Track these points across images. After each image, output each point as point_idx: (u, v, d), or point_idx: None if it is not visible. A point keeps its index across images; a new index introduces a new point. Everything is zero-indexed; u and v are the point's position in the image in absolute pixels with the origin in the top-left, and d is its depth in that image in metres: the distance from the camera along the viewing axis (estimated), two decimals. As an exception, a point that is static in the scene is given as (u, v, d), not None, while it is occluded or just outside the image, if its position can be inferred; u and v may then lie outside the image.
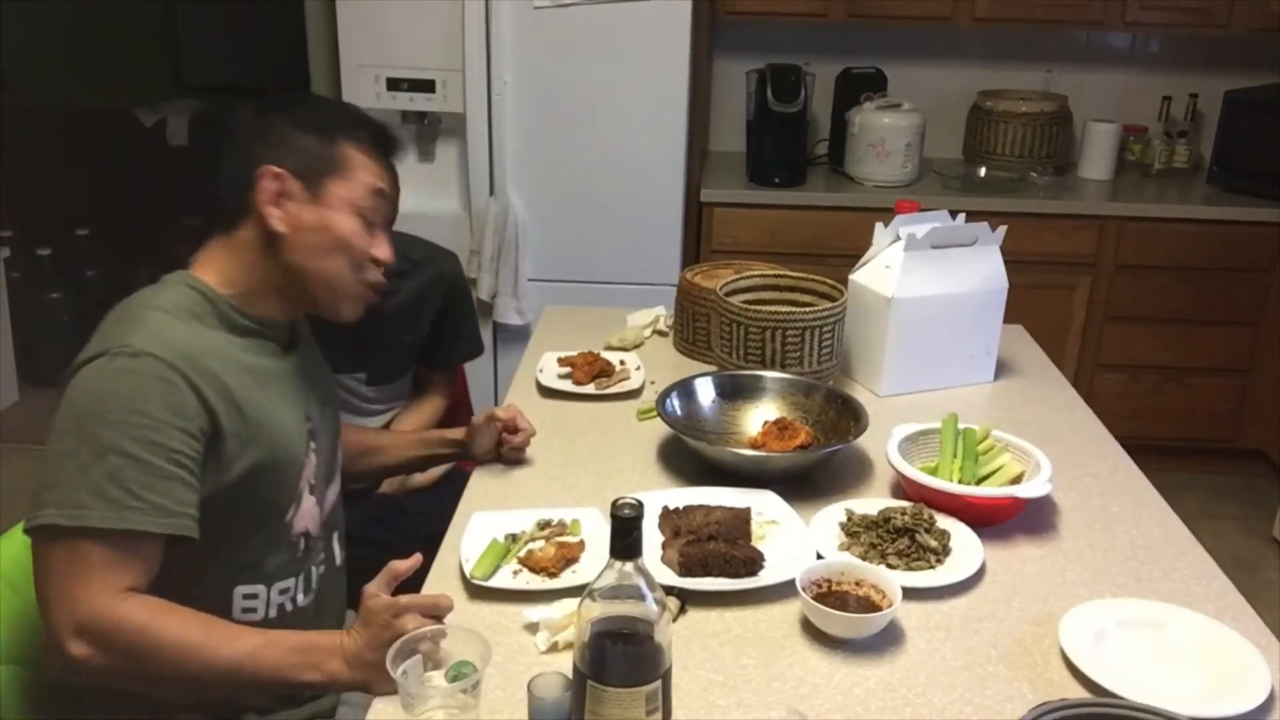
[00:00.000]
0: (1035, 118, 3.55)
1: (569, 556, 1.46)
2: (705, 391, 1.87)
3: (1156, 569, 1.50)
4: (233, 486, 1.28)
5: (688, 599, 1.39)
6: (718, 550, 1.43)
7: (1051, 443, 1.79)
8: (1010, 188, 3.44)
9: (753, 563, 1.43)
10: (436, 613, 1.23)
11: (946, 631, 1.36)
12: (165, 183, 4.54)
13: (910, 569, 1.45)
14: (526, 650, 1.30)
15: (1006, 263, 2.08)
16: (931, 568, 1.46)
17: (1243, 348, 3.46)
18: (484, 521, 1.54)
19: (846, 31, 3.64)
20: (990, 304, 2.07)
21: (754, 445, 1.76)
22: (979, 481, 1.64)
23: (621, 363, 2.10)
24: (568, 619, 1.30)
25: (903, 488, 1.67)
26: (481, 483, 1.72)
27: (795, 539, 1.51)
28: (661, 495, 1.60)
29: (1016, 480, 1.64)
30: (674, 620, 1.34)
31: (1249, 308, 3.42)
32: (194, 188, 1.42)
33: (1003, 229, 2.08)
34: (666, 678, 1.09)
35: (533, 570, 1.43)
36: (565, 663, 1.14)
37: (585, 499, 1.65)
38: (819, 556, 1.46)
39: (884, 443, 1.69)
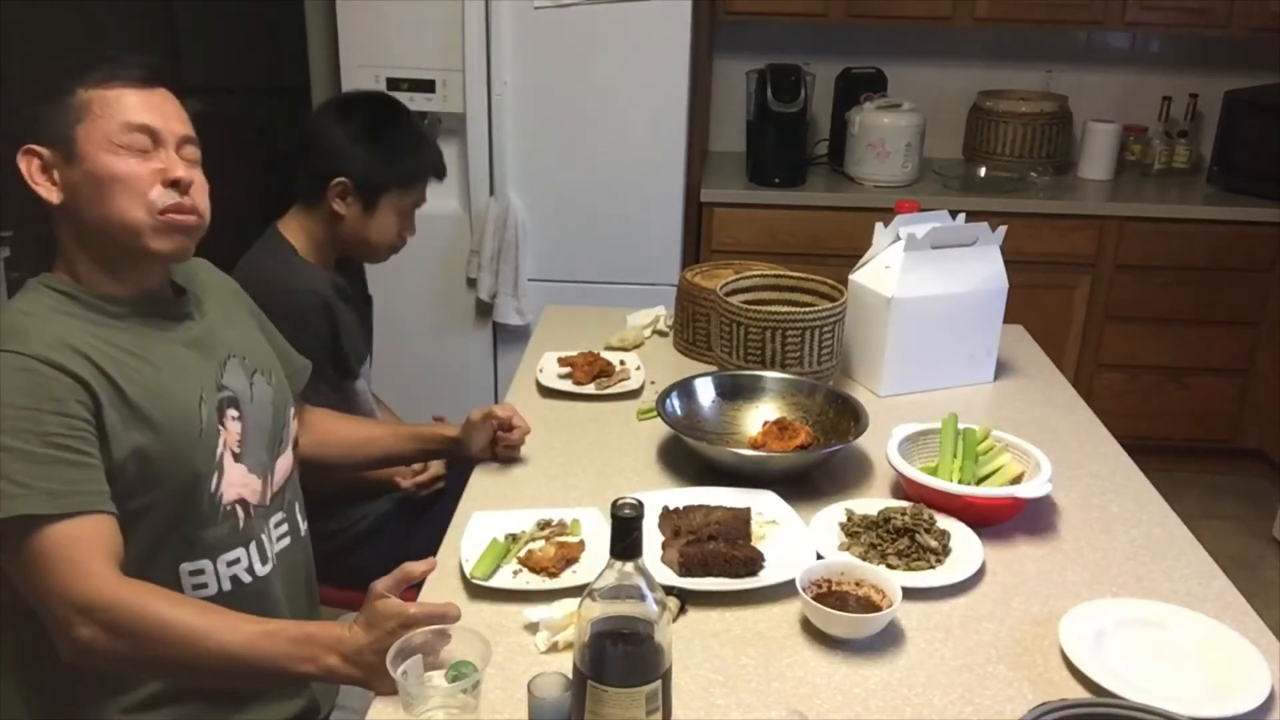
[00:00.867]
0: (1035, 118, 3.55)
1: (569, 556, 1.46)
2: (705, 391, 1.87)
3: (1156, 569, 1.51)
4: (128, 462, 1.27)
5: (688, 599, 1.39)
6: (718, 550, 1.43)
7: (1051, 443, 1.79)
8: (1010, 188, 3.44)
9: (753, 563, 1.43)
10: (444, 623, 1.22)
11: (946, 631, 1.36)
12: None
13: (910, 569, 1.45)
14: (526, 650, 1.30)
15: (1006, 263, 2.08)
16: (931, 568, 1.46)
17: (1243, 348, 3.46)
18: (484, 521, 1.54)
19: (846, 31, 3.64)
20: (990, 304, 2.07)
21: (754, 445, 1.76)
22: (979, 481, 1.64)
23: (621, 363, 2.10)
24: (568, 619, 1.30)
25: (903, 488, 1.67)
26: (481, 483, 1.72)
27: (795, 539, 1.51)
28: (661, 495, 1.60)
29: (1016, 480, 1.64)
30: (674, 620, 1.34)
31: (1249, 308, 3.42)
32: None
33: (1003, 229, 2.08)
34: (666, 678, 1.09)
35: (533, 570, 1.43)
36: (565, 663, 1.14)
37: (585, 499, 1.65)
38: (819, 556, 1.46)
39: (884, 443, 1.69)
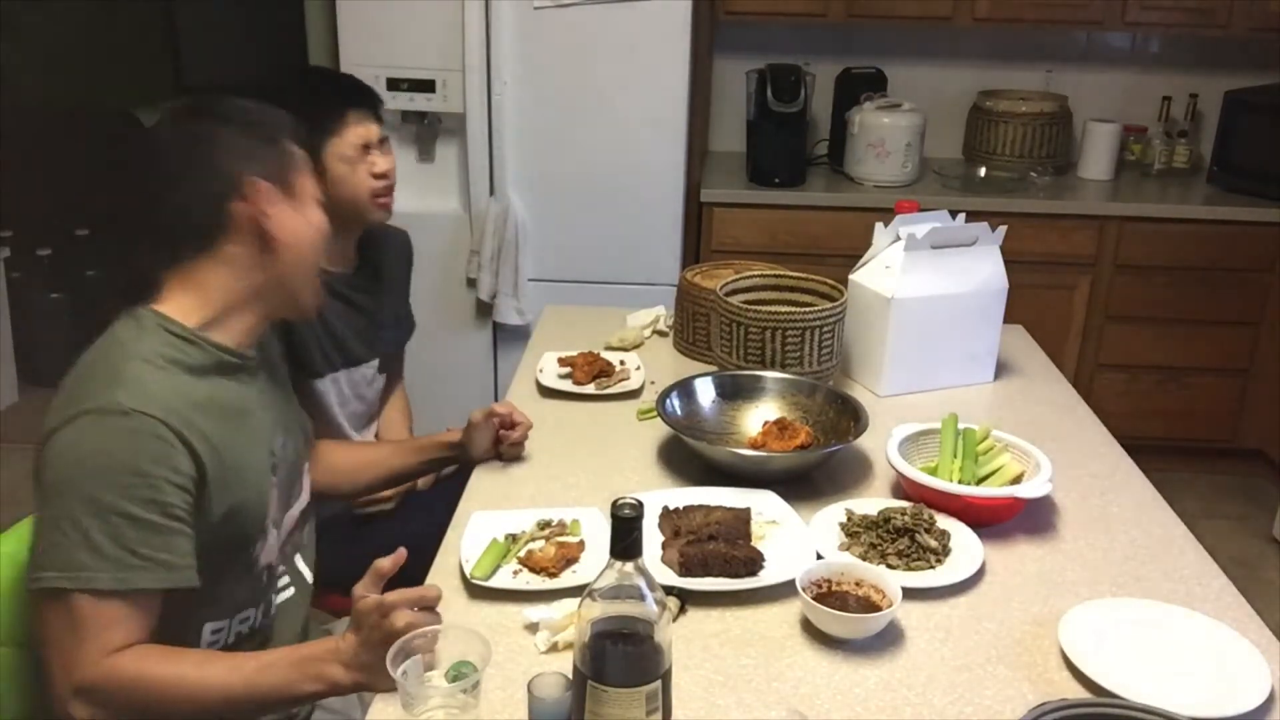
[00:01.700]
0: (1035, 118, 3.55)
1: (569, 556, 1.46)
2: (705, 391, 1.87)
3: (1156, 569, 1.51)
4: (210, 530, 1.27)
5: (688, 599, 1.39)
6: (718, 550, 1.43)
7: (1051, 443, 1.79)
8: (1010, 188, 3.44)
9: (753, 563, 1.43)
10: (426, 603, 1.22)
11: (946, 631, 1.36)
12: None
13: (910, 569, 1.45)
14: (526, 650, 1.30)
15: (1006, 263, 2.08)
16: (931, 568, 1.46)
17: (1243, 348, 3.46)
18: (484, 521, 1.54)
19: (846, 31, 3.64)
20: (990, 304, 2.07)
21: (754, 445, 1.76)
22: (979, 481, 1.64)
23: (621, 363, 2.10)
24: (568, 619, 1.30)
25: (903, 488, 1.67)
26: (481, 483, 1.72)
27: (795, 539, 1.51)
28: (661, 495, 1.60)
29: (1016, 480, 1.64)
30: (674, 620, 1.34)
31: (1249, 308, 3.42)
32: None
33: (1003, 229, 2.08)
34: (666, 678, 1.09)
35: (533, 570, 1.43)
36: (565, 663, 1.14)
37: (585, 499, 1.65)
38: (819, 556, 1.46)
39: (884, 443, 1.69)
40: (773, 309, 1.95)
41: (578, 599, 1.11)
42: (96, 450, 1.18)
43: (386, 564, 1.26)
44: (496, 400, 2.31)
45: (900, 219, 2.07)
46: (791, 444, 1.73)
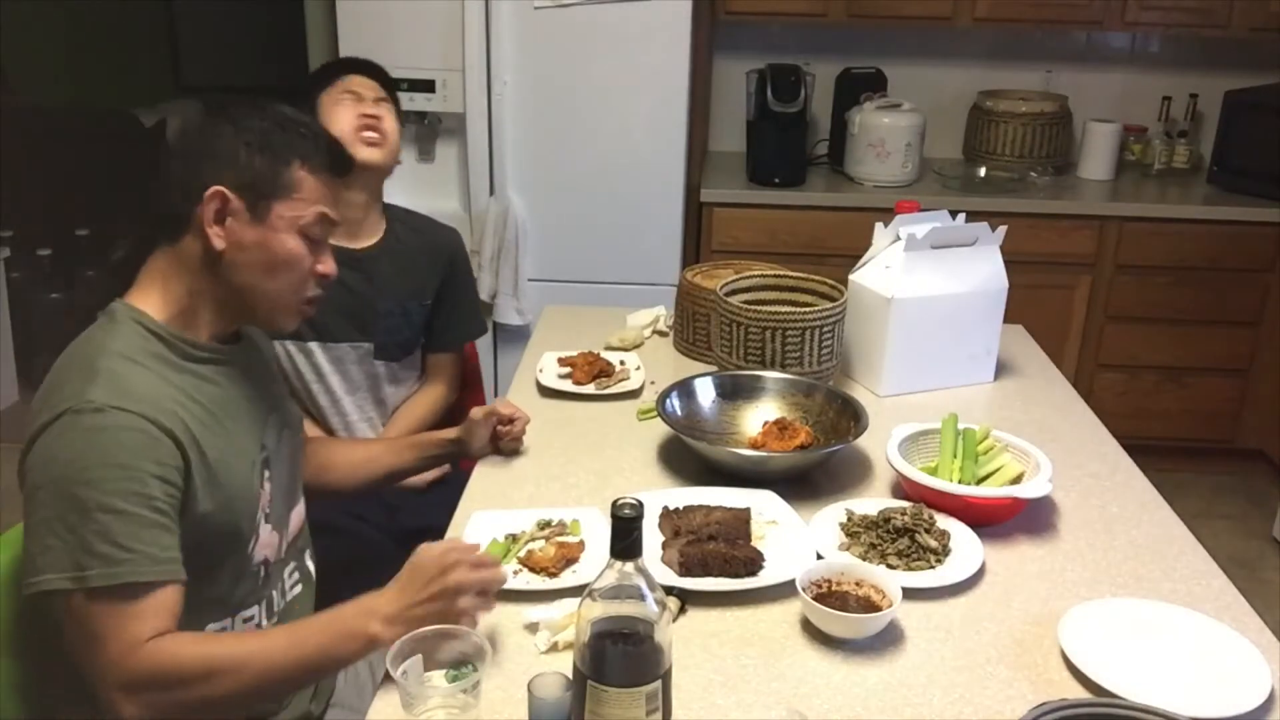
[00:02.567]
0: (1035, 118, 3.55)
1: (569, 556, 1.46)
2: (705, 391, 1.87)
3: (1156, 569, 1.51)
4: (197, 525, 1.27)
5: (688, 599, 1.39)
6: (718, 550, 1.43)
7: (1051, 443, 1.79)
8: (1010, 188, 3.44)
9: (753, 563, 1.43)
10: (484, 562, 1.25)
11: (946, 631, 1.36)
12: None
13: (910, 569, 1.45)
14: (526, 650, 1.30)
15: (1006, 263, 2.08)
16: (931, 568, 1.46)
17: (1243, 348, 3.46)
18: (484, 521, 1.54)
19: (846, 31, 3.64)
20: (990, 304, 2.07)
21: (754, 445, 1.76)
22: (979, 481, 1.64)
23: (621, 363, 2.10)
24: (568, 619, 1.30)
25: (903, 488, 1.67)
26: (481, 482, 1.72)
27: (795, 539, 1.51)
28: (661, 495, 1.60)
29: (1016, 480, 1.64)
30: (674, 620, 1.34)
31: (1249, 308, 3.42)
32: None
33: (1003, 229, 2.08)
34: (666, 678, 1.09)
35: (533, 570, 1.43)
36: (565, 663, 1.14)
37: (585, 499, 1.65)
38: (819, 556, 1.46)
39: (884, 443, 1.69)
40: (773, 309, 1.95)
41: (578, 599, 1.11)
42: (76, 449, 1.18)
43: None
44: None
45: (900, 219, 2.07)
46: (791, 444, 1.73)
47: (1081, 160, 3.64)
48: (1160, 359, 3.48)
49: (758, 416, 1.84)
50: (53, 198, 4.38)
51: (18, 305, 4.04)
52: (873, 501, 1.61)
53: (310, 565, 1.56)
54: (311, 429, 2.00)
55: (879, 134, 3.41)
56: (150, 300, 1.32)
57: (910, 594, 1.38)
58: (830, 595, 1.37)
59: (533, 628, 1.32)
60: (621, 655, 1.06)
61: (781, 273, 2.13)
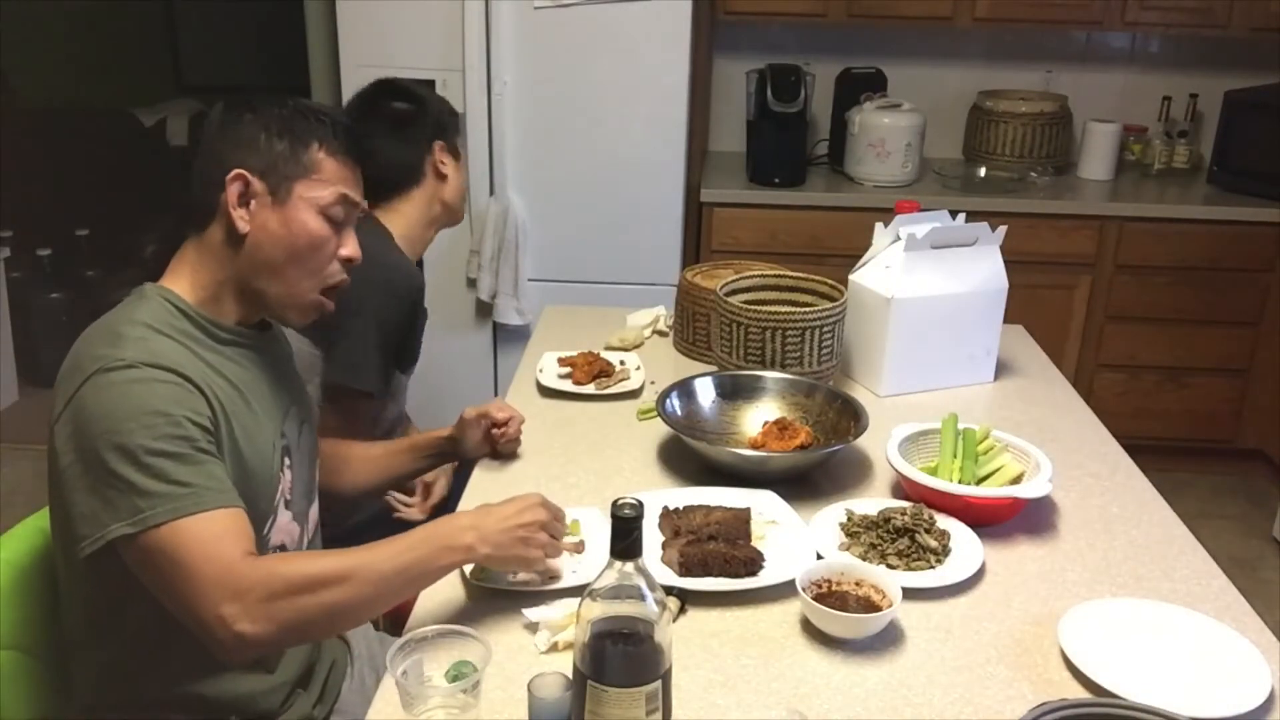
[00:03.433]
0: (1035, 118, 3.55)
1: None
2: (705, 391, 1.87)
3: (1156, 569, 1.51)
4: None
5: (688, 599, 1.39)
6: (718, 550, 1.43)
7: (1051, 443, 1.79)
8: (1010, 188, 3.44)
9: (753, 563, 1.43)
10: (559, 515, 1.38)
11: (946, 631, 1.36)
12: (165, 183, 4.54)
13: (910, 569, 1.45)
14: (526, 650, 1.30)
15: (1006, 263, 2.08)
16: (931, 568, 1.46)
17: (1243, 348, 3.46)
18: None
19: (846, 31, 3.64)
20: (990, 304, 2.07)
21: (754, 445, 1.76)
22: (979, 481, 1.64)
23: (621, 363, 2.10)
24: (568, 619, 1.30)
25: (903, 488, 1.67)
26: (482, 482, 1.72)
27: (795, 539, 1.51)
28: (661, 495, 1.60)
29: (1016, 480, 1.64)
30: (674, 620, 1.34)
31: (1249, 308, 3.42)
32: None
33: (1003, 229, 2.08)
34: (666, 678, 1.09)
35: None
36: (565, 663, 1.14)
37: (585, 499, 1.65)
38: (819, 556, 1.46)
39: (884, 443, 1.69)
40: (773, 309, 1.95)
41: (578, 599, 1.11)
42: (113, 403, 1.19)
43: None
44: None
45: (900, 219, 2.07)
46: (791, 444, 1.73)
47: (1081, 160, 3.64)
48: (1160, 359, 3.48)
49: (758, 416, 1.84)
50: (53, 198, 4.38)
51: (18, 305, 4.04)
52: (873, 501, 1.61)
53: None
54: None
55: (879, 134, 3.41)
56: (179, 284, 1.34)
57: (910, 594, 1.38)
58: (830, 595, 1.37)
59: (533, 628, 1.32)
60: (621, 655, 1.06)
61: (781, 273, 2.13)
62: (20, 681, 1.35)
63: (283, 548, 1.41)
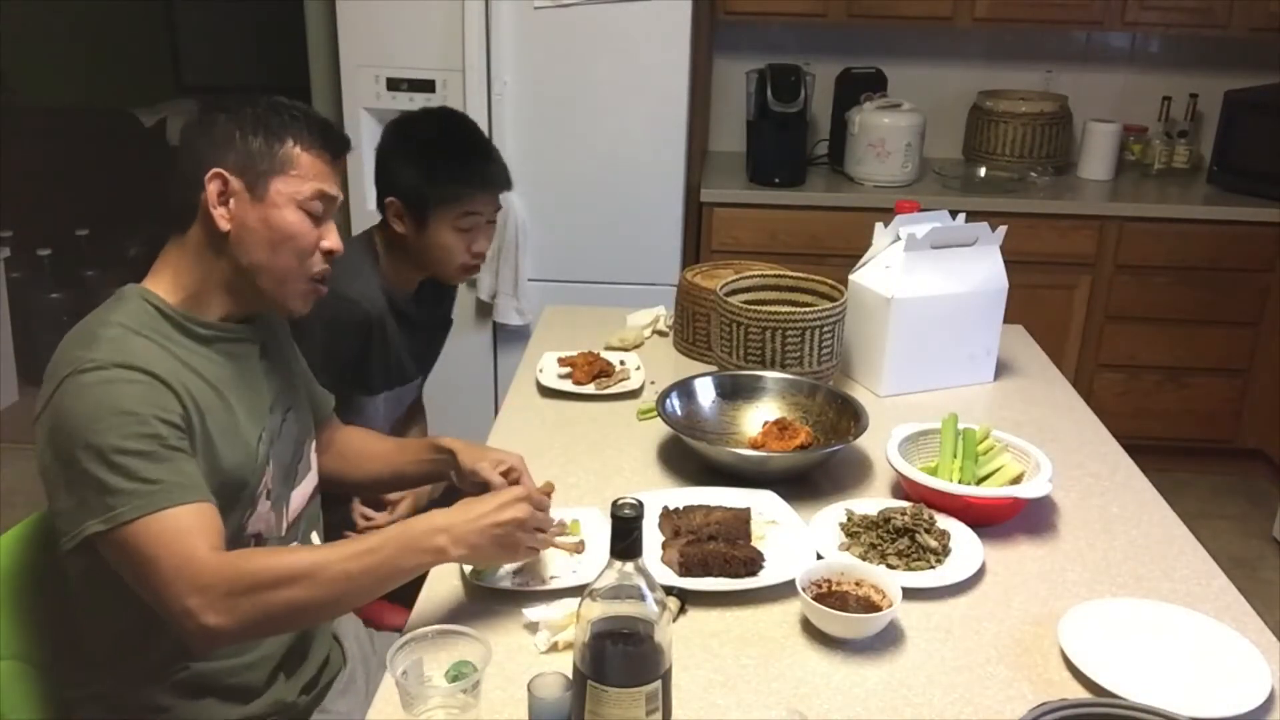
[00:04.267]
0: (1035, 118, 3.55)
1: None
2: (705, 391, 1.87)
3: (1156, 569, 1.51)
4: None
5: (688, 599, 1.39)
6: (718, 550, 1.43)
7: (1051, 443, 1.79)
8: (1010, 188, 3.44)
9: (753, 563, 1.43)
10: (543, 505, 1.37)
11: (946, 631, 1.36)
12: (166, 183, 4.54)
13: (910, 569, 1.45)
14: (526, 650, 1.30)
15: (1006, 263, 2.08)
16: (931, 568, 1.46)
17: (1243, 348, 3.46)
18: None
19: (846, 31, 3.64)
20: (990, 304, 2.07)
21: (754, 445, 1.76)
22: (979, 481, 1.64)
23: (621, 363, 2.10)
24: (568, 619, 1.30)
25: (903, 488, 1.67)
26: (481, 483, 1.71)
27: (795, 539, 1.51)
28: (661, 495, 1.60)
29: (1016, 480, 1.64)
30: (674, 620, 1.34)
31: (1249, 308, 3.42)
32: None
33: (1003, 229, 2.08)
34: (666, 678, 1.09)
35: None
36: (565, 663, 1.14)
37: (585, 499, 1.64)
38: (819, 556, 1.46)
39: (884, 443, 1.69)
40: (773, 309, 1.95)
41: (578, 599, 1.11)
42: (83, 405, 1.22)
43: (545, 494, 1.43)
44: (496, 402, 2.28)
45: (900, 219, 2.07)
46: (791, 444, 1.73)
47: (1081, 160, 3.64)
48: (1160, 359, 3.48)
49: (758, 416, 1.84)
50: (53, 198, 4.38)
51: (18, 305, 4.04)
52: (873, 501, 1.61)
53: (316, 542, 1.55)
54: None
55: (879, 134, 3.41)
56: (161, 284, 1.36)
57: (910, 594, 1.38)
58: (830, 595, 1.37)
59: (533, 628, 1.32)
60: (621, 655, 1.06)
61: (781, 273, 2.13)
62: (17, 687, 1.34)
63: (258, 536, 1.41)
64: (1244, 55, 3.64)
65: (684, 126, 3.11)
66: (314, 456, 1.57)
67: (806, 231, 3.36)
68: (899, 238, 2.01)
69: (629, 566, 1.05)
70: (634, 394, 2.02)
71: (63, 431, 1.22)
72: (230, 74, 5.32)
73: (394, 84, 3.07)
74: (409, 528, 1.30)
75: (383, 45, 3.06)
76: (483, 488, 1.52)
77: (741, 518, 1.53)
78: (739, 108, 3.60)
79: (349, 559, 1.25)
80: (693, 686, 1.24)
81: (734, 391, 1.88)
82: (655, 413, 1.80)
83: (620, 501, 1.04)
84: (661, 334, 2.33)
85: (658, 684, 1.07)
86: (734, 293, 2.02)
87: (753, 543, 1.49)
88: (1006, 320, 2.12)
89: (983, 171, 3.60)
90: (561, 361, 2.09)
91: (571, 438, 1.86)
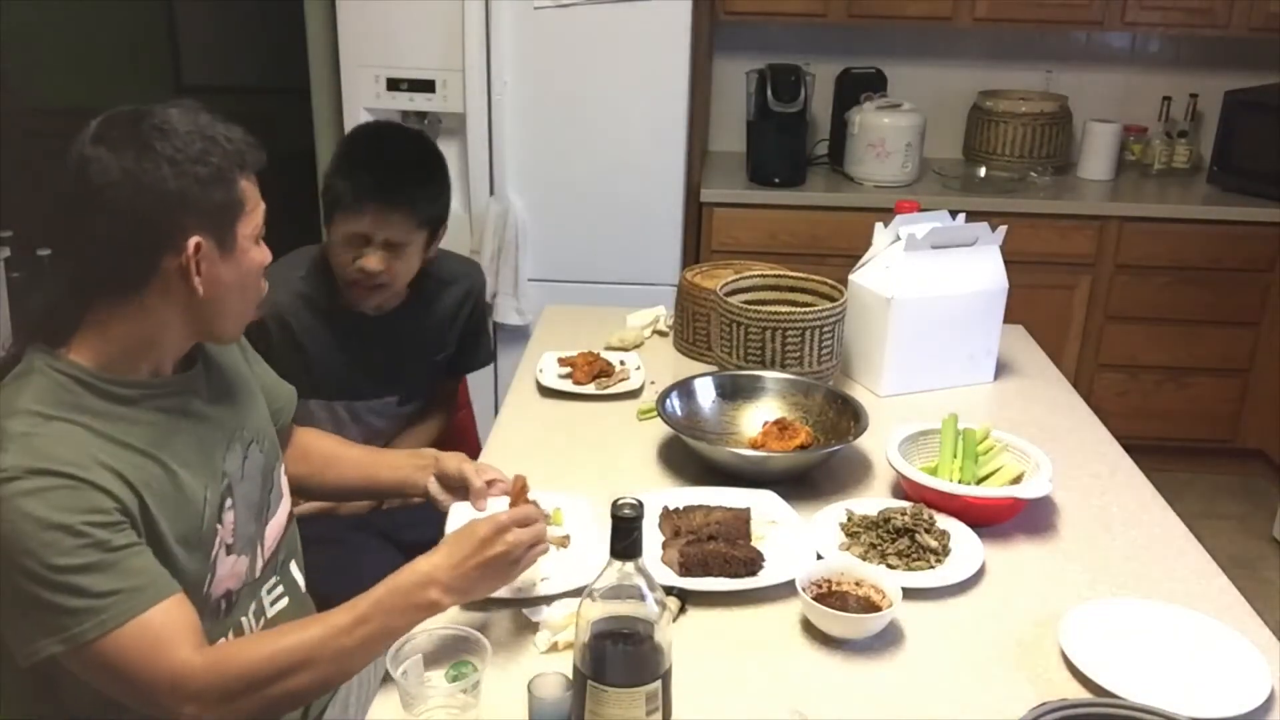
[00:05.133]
0: (1035, 118, 3.55)
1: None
2: (705, 391, 1.87)
3: (1156, 569, 1.51)
4: None
5: (688, 599, 1.39)
6: (718, 550, 1.43)
7: (1051, 443, 1.79)
8: (1010, 188, 3.44)
9: (753, 563, 1.43)
10: (530, 518, 1.28)
11: (946, 631, 1.36)
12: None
13: (910, 569, 1.45)
14: (526, 650, 1.30)
15: (1006, 263, 2.08)
16: (931, 568, 1.46)
17: (1243, 348, 3.46)
18: (463, 513, 1.46)
19: (846, 31, 3.64)
20: (990, 304, 2.07)
21: (754, 445, 1.76)
22: (979, 481, 1.64)
23: (621, 363, 2.10)
24: (568, 619, 1.30)
25: (903, 488, 1.67)
26: (481, 483, 1.71)
27: (795, 539, 1.51)
28: (661, 495, 1.60)
29: (1016, 480, 1.64)
30: (674, 620, 1.34)
31: (1249, 308, 3.42)
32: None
33: (1003, 229, 2.08)
34: (666, 678, 1.09)
35: None
36: (565, 663, 1.14)
37: (585, 499, 1.64)
38: (819, 556, 1.46)
39: (884, 443, 1.69)
40: (773, 309, 1.95)
41: (578, 599, 1.11)
42: (5, 526, 1.10)
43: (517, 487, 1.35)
44: (497, 402, 2.27)
45: (900, 219, 2.07)
46: (791, 444, 1.73)
47: (1081, 160, 3.64)
48: (1160, 359, 3.48)
49: (758, 416, 1.84)
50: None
51: (18, 305, 4.03)
52: (873, 501, 1.61)
53: (298, 576, 1.49)
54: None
55: (879, 134, 3.41)
56: (83, 350, 1.22)
57: (910, 594, 1.38)
58: (830, 595, 1.37)
59: (533, 628, 1.32)
60: (621, 655, 1.06)
61: (781, 273, 2.13)
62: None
63: (228, 595, 1.33)
64: (1244, 55, 3.64)
65: (684, 126, 3.11)
66: (284, 480, 1.48)
67: (806, 231, 3.36)
68: (899, 238, 2.01)
69: (629, 566, 1.05)
70: (634, 394, 2.02)
71: None
72: (230, 74, 5.32)
73: (394, 84, 3.06)
74: (396, 586, 1.21)
75: (383, 45, 3.06)
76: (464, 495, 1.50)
77: (741, 518, 1.53)
78: (739, 108, 3.59)
79: (342, 634, 1.19)
80: (693, 686, 1.24)
81: (734, 391, 1.88)
82: (655, 413, 1.80)
83: (620, 501, 1.04)
84: (661, 334, 2.33)
85: (658, 684, 1.07)
86: (734, 293, 2.02)
87: (753, 543, 1.49)
88: (1006, 320, 2.12)
89: (983, 171, 3.60)
90: (561, 361, 2.09)
91: (571, 438, 1.86)
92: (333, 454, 1.66)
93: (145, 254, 1.20)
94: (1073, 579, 1.48)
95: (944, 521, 1.54)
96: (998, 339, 2.12)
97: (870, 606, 1.35)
